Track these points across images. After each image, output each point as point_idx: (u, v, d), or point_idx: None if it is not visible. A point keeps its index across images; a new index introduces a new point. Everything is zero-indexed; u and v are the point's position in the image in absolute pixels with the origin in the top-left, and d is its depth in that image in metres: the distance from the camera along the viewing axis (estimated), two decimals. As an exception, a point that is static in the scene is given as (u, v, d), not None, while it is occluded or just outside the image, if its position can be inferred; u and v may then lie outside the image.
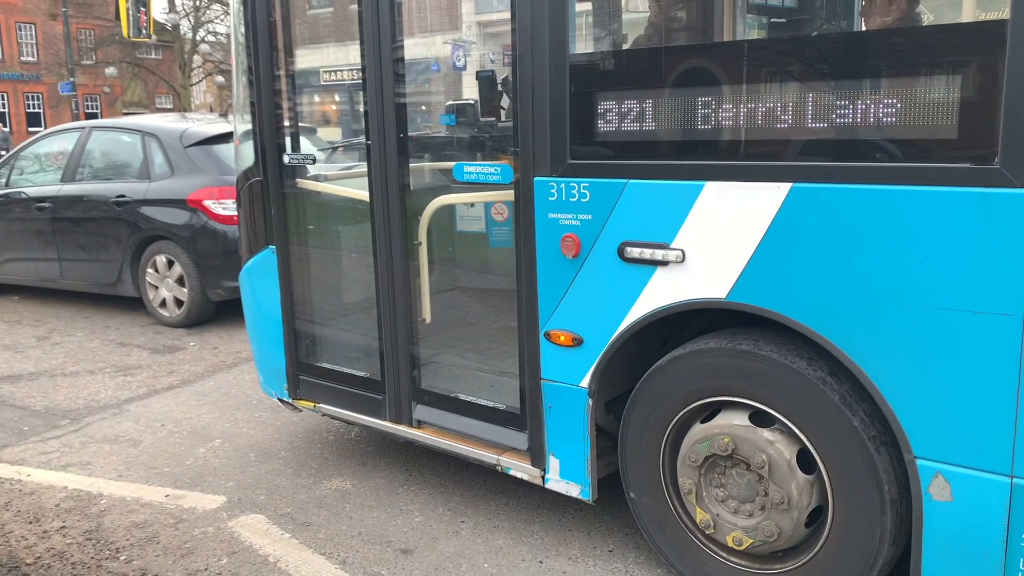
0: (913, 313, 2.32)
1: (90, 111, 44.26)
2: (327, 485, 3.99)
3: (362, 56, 3.46)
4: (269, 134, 3.88)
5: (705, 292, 2.70)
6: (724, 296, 2.66)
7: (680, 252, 2.72)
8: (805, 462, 2.68)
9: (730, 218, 2.60)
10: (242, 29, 3.88)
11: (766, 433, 2.72)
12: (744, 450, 2.75)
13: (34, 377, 5.86)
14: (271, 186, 3.92)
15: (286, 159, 3.89)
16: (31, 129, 36.38)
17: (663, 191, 2.73)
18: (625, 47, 3.13)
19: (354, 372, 3.87)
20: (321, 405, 4.03)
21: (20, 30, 43.38)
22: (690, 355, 2.86)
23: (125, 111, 38.65)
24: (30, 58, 43.90)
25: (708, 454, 2.84)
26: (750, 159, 2.58)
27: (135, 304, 7.51)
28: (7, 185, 8.16)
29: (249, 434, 4.68)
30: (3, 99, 43.46)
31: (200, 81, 41.02)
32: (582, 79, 2.88)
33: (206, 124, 7.50)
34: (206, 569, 3.30)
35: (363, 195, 3.63)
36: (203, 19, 36.30)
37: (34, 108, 44.30)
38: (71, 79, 26.15)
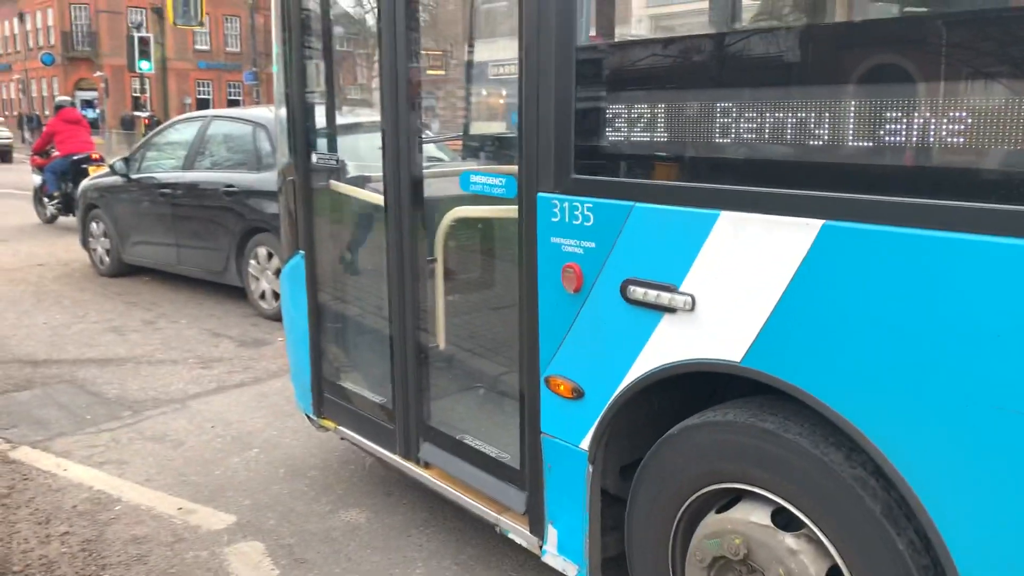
0: (979, 412, 1.65)
1: (283, 99, 46.87)
2: (342, 516, 3.64)
3: (379, 45, 3.07)
4: (300, 130, 3.58)
5: (717, 351, 2.10)
6: (738, 360, 2.05)
7: (689, 298, 2.13)
8: (838, 585, 2.03)
9: (748, 259, 2.00)
10: (277, 13, 3.59)
11: (789, 540, 2.09)
12: (760, 557, 2.13)
13: (122, 363, 5.92)
14: (300, 186, 3.62)
15: (314, 159, 3.57)
16: (230, 115, 38.77)
17: (672, 219, 2.15)
18: (636, 36, 2.55)
19: (370, 396, 3.50)
20: (340, 428, 3.69)
21: (227, 22, 46.62)
22: (705, 427, 2.26)
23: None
24: (234, 49, 47.19)
25: (717, 555, 2.23)
26: (772, 184, 1.96)
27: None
28: (139, 170, 8.44)
29: (289, 446, 4.43)
30: (208, 87, 47.04)
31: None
32: (589, 75, 2.34)
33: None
34: (178, 602, 3.05)
35: (381, 199, 3.25)
36: (386, 12, 37.40)
37: (234, 95, 47.60)
38: (253, 69, 27.80)
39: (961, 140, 1.64)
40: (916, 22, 1.95)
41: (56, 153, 11.84)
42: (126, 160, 8.66)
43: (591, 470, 2.51)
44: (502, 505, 2.91)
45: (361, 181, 3.63)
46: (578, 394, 2.50)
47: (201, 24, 6.22)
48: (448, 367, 3.36)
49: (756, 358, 2.01)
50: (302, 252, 3.70)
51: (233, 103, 46.80)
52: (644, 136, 2.20)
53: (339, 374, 3.74)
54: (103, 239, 8.96)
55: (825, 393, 1.89)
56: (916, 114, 1.71)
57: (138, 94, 34.15)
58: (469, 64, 4.23)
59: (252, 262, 7.13)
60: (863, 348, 1.81)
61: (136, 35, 23.41)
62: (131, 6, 43.60)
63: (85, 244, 9.34)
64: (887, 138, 1.74)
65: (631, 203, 2.23)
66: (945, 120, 1.67)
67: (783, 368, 1.96)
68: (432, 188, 3.20)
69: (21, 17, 48.25)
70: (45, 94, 46.23)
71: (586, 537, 2.57)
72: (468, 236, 3.49)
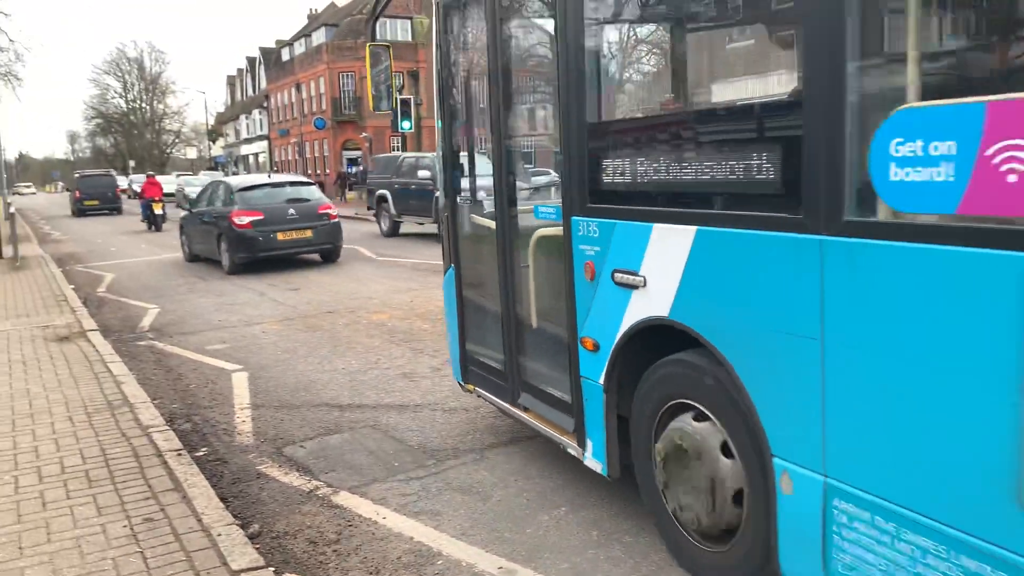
0: (776, 337, 2.81)
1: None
2: (665, 590, 3.51)
3: (489, 97, 4.53)
4: (449, 176, 5.15)
5: (658, 311, 3.36)
6: (667, 315, 3.30)
7: (643, 278, 3.41)
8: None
9: (667, 252, 3.26)
10: (436, 83, 5.19)
11: (699, 427, 3.30)
12: (688, 444, 3.33)
13: (419, 409, 6.15)
14: (450, 219, 5.19)
15: (458, 199, 5.13)
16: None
17: (633, 230, 3.45)
18: (609, 119, 3.87)
19: (492, 363, 4.95)
20: (476, 388, 5.17)
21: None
22: (659, 365, 3.51)
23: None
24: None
25: (669, 450, 3.45)
26: (671, 206, 3.23)
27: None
28: (197, 206, 16.77)
29: (596, 505, 4.34)
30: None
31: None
32: (591, 141, 3.70)
33: (254, 179, 16.08)
34: None
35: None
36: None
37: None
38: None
39: (752, 175, 2.86)
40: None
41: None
42: (190, 201, 17.94)
43: (606, 398, 3.80)
44: (563, 429, 4.23)
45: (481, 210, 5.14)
46: (596, 347, 3.81)
47: (392, 110, 7.99)
48: (536, 338, 4.72)
49: (675, 312, 3.25)
50: (452, 266, 5.26)
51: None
52: (618, 179, 3.52)
53: (476, 349, 5.23)
54: (186, 245, 17.29)
55: (704, 328, 3.11)
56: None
57: (398, 151, 38.43)
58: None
59: (223, 253, 15.16)
60: (717, 301, 3.02)
61: (399, 98, 26.70)
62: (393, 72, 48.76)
63: (183, 247, 17.54)
64: (715, 175, 2.98)
65: (615, 221, 3.55)
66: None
67: (686, 316, 3.20)
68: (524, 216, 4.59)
69: (298, 87, 55.40)
70: (317, 155, 52.46)
71: (605, 443, 3.84)
72: (548, 248, 4.87)
